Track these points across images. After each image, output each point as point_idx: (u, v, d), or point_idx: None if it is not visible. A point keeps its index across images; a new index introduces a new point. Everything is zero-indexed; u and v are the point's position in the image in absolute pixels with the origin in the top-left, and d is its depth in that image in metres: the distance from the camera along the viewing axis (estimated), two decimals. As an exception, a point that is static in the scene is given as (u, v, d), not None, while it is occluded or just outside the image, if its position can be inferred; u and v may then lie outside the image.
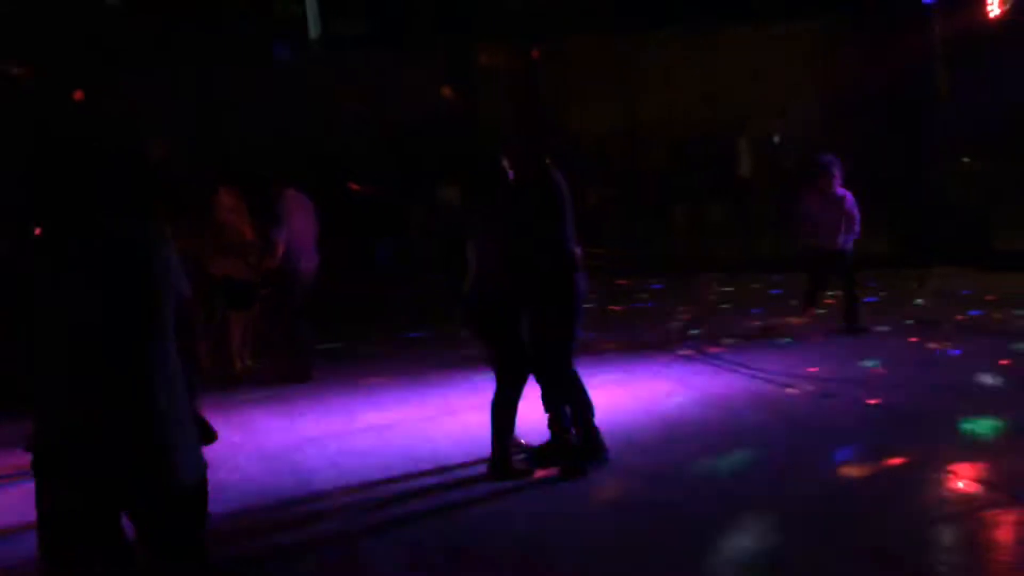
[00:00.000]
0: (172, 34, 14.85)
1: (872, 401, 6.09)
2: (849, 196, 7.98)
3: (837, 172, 7.90)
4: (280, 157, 11.49)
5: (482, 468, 5.08)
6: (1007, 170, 11.98)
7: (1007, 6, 10.45)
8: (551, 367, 5.07)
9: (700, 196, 16.95)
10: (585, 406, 5.11)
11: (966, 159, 11.63)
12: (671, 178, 17.09)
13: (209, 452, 2.83)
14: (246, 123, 14.68)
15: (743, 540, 4.05)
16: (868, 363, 7.07)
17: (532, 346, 5.08)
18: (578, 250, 5.06)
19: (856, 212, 7.98)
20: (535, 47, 17.18)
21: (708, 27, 17.42)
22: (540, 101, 16.76)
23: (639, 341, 8.50)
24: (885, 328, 8.29)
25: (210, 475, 2.79)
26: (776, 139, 17.26)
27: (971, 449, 5.10)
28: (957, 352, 7.32)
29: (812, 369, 6.99)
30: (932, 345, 7.59)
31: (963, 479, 4.63)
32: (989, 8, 10.53)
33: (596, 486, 4.89)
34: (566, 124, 16.90)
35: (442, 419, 6.22)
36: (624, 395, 6.58)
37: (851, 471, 4.94)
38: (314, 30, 21.85)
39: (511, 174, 5.13)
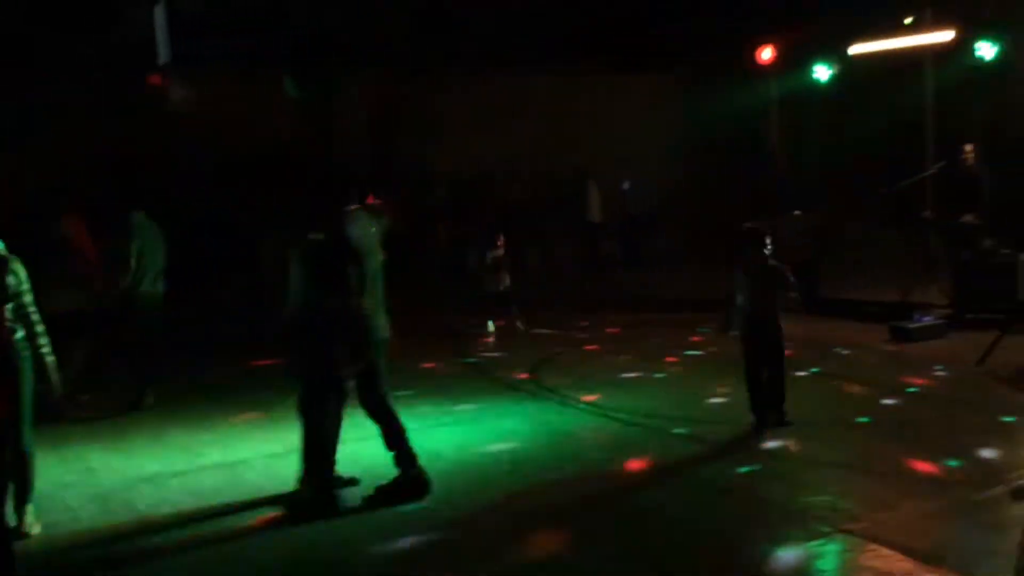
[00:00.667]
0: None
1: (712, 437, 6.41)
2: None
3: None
4: (130, 181, 11.11)
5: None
6: (831, 221, 12.93)
7: (827, 75, 11.35)
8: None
9: (551, 236, 17.42)
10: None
11: (797, 212, 12.38)
12: (525, 218, 17.46)
13: (38, 492, 2.73)
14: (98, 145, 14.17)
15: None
16: (714, 400, 7.42)
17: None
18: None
19: None
20: (396, 82, 17.29)
21: (567, 72, 18.06)
22: (399, 137, 16.84)
23: (490, 377, 8.61)
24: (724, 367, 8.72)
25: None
26: (625, 185, 17.93)
27: (796, 480, 5.43)
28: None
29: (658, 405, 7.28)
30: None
31: (796, 512, 4.93)
32: (816, 73, 11.38)
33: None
34: (428, 160, 17.05)
35: (291, 456, 6.10)
36: (472, 432, 6.67)
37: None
38: (164, 54, 21.24)
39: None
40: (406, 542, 4.73)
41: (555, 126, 17.90)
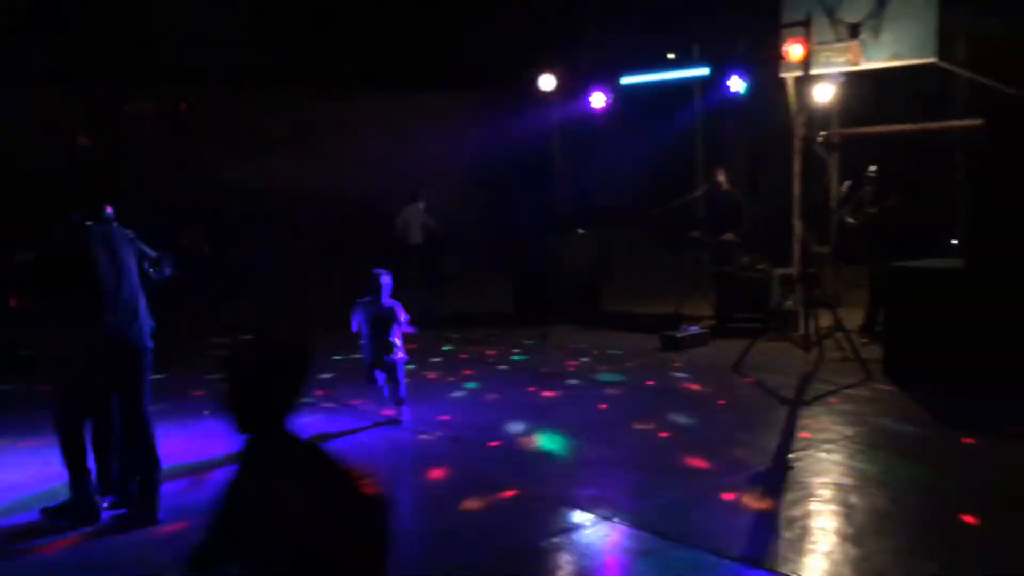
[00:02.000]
0: None
1: (493, 443, 6.80)
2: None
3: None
4: None
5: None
6: (612, 240, 13.85)
7: (605, 103, 12.19)
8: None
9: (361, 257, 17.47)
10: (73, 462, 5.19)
11: (580, 230, 13.14)
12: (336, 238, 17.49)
13: None
14: None
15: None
16: (494, 410, 7.84)
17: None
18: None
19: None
20: (187, 97, 16.92)
21: (348, 90, 18.27)
22: (185, 152, 16.45)
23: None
24: (508, 377, 9.19)
25: None
26: (421, 205, 18.28)
27: (569, 478, 5.90)
28: (559, 397, 8.32)
29: (444, 417, 7.60)
30: (547, 393, 8.53)
31: (565, 505, 5.39)
32: (594, 101, 12.19)
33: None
34: (221, 176, 16.74)
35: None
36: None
37: (471, 503, 5.51)
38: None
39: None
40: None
41: (350, 145, 18.07)
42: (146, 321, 5.36)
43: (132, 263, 5.33)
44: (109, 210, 5.40)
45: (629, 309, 12.90)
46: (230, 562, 2.38)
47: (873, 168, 10.58)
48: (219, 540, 2.39)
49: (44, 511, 5.22)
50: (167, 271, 5.55)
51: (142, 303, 5.35)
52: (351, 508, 2.39)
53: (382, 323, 7.28)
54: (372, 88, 18.50)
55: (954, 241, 12.00)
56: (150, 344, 5.36)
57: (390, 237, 17.86)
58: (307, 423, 7.47)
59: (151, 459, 5.27)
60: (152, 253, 5.52)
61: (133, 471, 5.29)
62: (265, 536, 2.31)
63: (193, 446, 6.59)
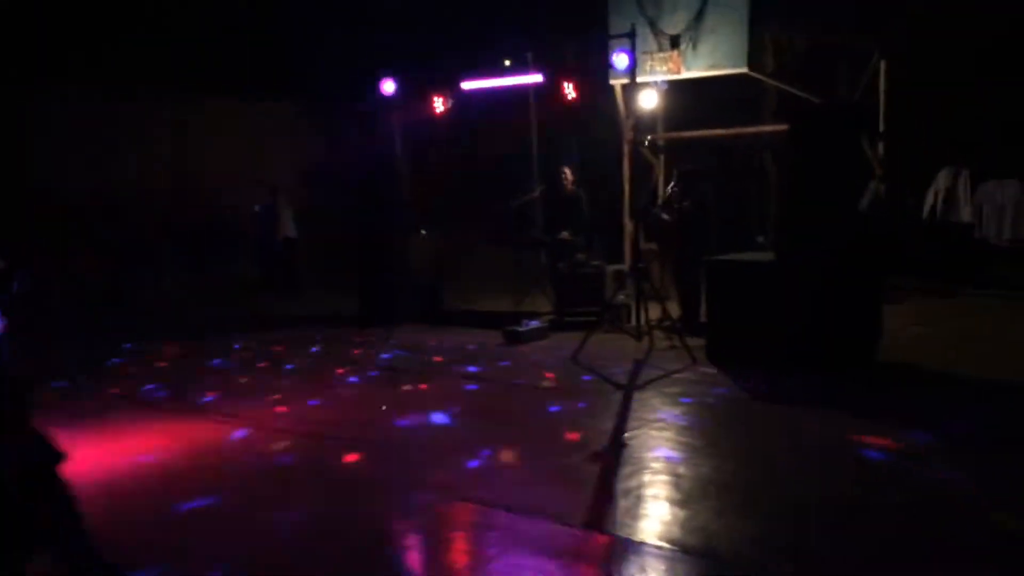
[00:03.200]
0: None
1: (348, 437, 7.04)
2: None
3: None
4: None
5: None
6: (455, 240, 14.26)
7: (445, 108, 12.57)
8: None
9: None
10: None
11: (423, 231, 13.45)
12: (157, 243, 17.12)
13: None
14: None
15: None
16: (342, 406, 8.06)
17: None
18: None
19: None
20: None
21: (191, 96, 17.93)
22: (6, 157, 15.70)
23: (134, 397, 8.56)
24: (355, 379, 9.41)
25: None
26: (256, 208, 18.16)
27: (416, 464, 6.22)
28: (411, 390, 8.62)
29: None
30: (405, 387, 8.81)
31: (429, 488, 5.71)
32: (435, 106, 12.56)
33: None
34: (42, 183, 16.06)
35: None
36: (113, 451, 6.73)
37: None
38: None
39: None
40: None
41: (179, 151, 17.74)
42: None
43: None
44: None
45: (473, 307, 13.33)
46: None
47: (685, 169, 11.40)
48: None
49: None
50: (14, 286, 5.47)
51: None
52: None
53: None
54: (214, 94, 18.23)
55: (760, 238, 13.09)
56: None
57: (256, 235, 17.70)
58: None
59: None
60: None
61: None
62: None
63: None
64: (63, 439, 4.28)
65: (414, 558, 4.78)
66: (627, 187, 12.62)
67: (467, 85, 12.44)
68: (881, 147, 12.72)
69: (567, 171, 12.45)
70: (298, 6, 18.56)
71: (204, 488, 5.85)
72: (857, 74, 13.15)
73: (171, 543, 5.02)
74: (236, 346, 11.52)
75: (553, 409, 7.70)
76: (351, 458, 6.47)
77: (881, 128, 12.65)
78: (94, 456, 6.60)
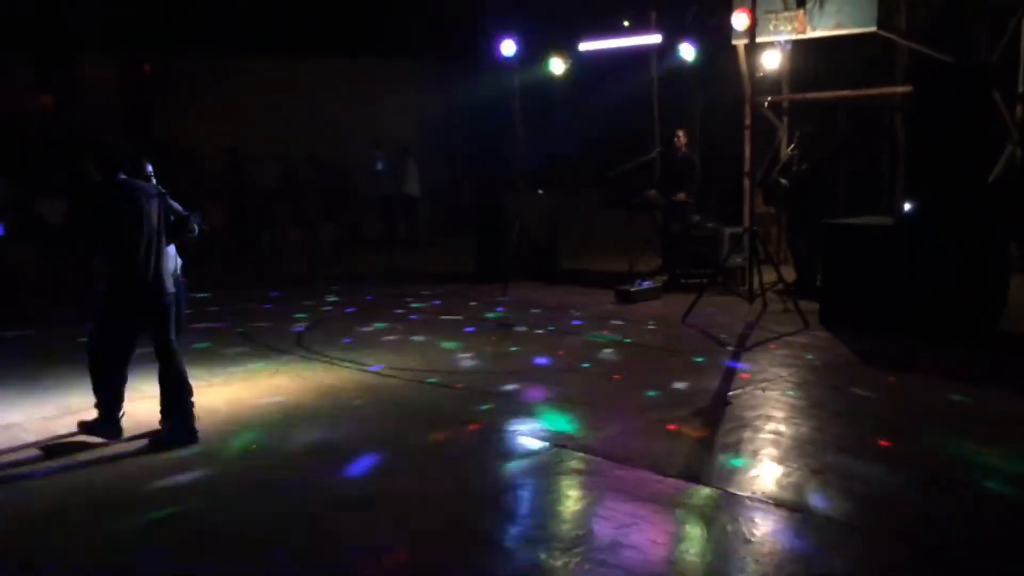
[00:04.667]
0: None
1: (459, 385, 7.34)
2: None
3: None
4: None
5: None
6: (570, 200, 14.38)
7: (565, 68, 12.61)
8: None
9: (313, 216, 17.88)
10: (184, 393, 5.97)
11: (540, 191, 13.62)
12: (281, 198, 17.80)
13: None
14: None
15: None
16: (459, 357, 8.38)
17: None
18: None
19: None
20: (144, 62, 17.06)
21: (310, 57, 18.54)
22: (142, 115, 16.68)
23: (260, 342, 9.10)
24: (472, 328, 9.73)
25: None
26: (379, 165, 18.65)
27: (526, 414, 6.45)
28: (521, 345, 8.85)
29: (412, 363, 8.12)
30: (508, 342, 9.07)
31: (525, 435, 5.95)
32: (552, 66, 12.63)
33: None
34: (174, 140, 16.94)
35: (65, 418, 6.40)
36: (244, 390, 7.23)
37: (438, 436, 6.05)
38: None
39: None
40: (179, 478, 5.29)
41: (310, 109, 18.35)
42: (166, 269, 5.98)
43: (155, 216, 5.88)
44: (148, 167, 6.37)
45: (586, 267, 13.47)
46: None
47: (804, 132, 11.17)
48: None
49: (80, 424, 5.94)
50: (194, 227, 6.12)
51: (166, 252, 6.00)
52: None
53: None
54: (327, 53, 18.79)
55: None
56: (171, 289, 6.03)
57: (373, 190, 18.24)
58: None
59: (183, 388, 5.96)
60: (179, 209, 6.13)
61: (167, 398, 5.96)
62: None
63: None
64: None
65: (522, 497, 4.99)
66: (747, 149, 12.44)
67: (586, 46, 12.47)
68: (1020, 110, 12.12)
69: (680, 134, 12.38)
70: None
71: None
72: (997, 33, 12.53)
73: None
74: (368, 297, 12.00)
75: (658, 367, 7.81)
76: (455, 402, 6.76)
77: (1021, 89, 12.05)
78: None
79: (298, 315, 10.69)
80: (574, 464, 5.41)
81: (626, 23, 11.91)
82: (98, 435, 5.85)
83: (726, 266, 11.02)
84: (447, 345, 8.88)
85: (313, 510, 4.76)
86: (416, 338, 9.27)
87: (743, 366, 7.72)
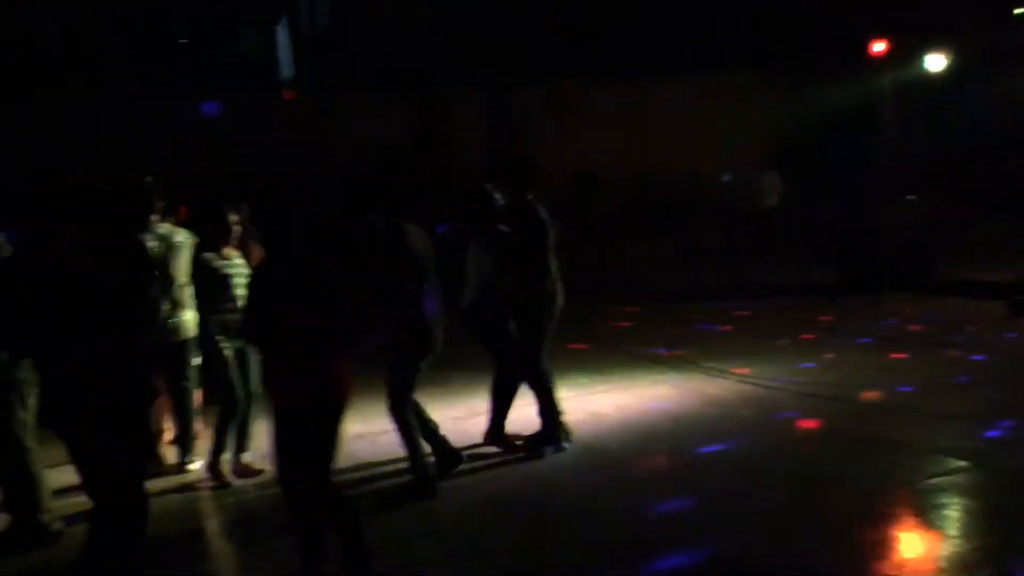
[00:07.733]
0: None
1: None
2: None
3: None
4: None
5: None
6: (944, 206, 13.29)
7: (946, 63, 11.75)
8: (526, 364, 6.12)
9: (662, 230, 18.13)
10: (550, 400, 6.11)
11: (911, 196, 12.78)
12: (631, 215, 18.18)
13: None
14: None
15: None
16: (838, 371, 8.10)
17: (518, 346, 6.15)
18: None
19: None
20: (510, 94, 18.32)
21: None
22: (515, 142, 17.82)
23: (627, 351, 9.36)
24: (868, 340, 9.35)
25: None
26: (726, 178, 18.44)
27: (929, 429, 6.09)
28: (906, 358, 8.37)
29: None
30: (894, 355, 8.62)
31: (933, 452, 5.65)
32: (928, 62, 11.80)
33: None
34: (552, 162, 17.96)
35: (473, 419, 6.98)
36: (627, 396, 7.51)
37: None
38: (286, 70, 22.65)
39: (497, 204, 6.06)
40: (597, 476, 5.60)
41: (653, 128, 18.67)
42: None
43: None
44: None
45: (966, 276, 12.40)
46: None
47: None
48: None
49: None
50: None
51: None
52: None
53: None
54: (662, 74, 19.04)
55: None
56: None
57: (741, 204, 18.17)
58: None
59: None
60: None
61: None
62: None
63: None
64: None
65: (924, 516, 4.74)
66: None
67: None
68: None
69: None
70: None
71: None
72: None
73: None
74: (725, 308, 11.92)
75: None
76: (846, 416, 6.53)
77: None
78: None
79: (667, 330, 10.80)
80: (993, 486, 5.05)
81: (1016, 11, 10.83)
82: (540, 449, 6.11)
83: None
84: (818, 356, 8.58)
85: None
86: (828, 355, 8.86)
87: None
